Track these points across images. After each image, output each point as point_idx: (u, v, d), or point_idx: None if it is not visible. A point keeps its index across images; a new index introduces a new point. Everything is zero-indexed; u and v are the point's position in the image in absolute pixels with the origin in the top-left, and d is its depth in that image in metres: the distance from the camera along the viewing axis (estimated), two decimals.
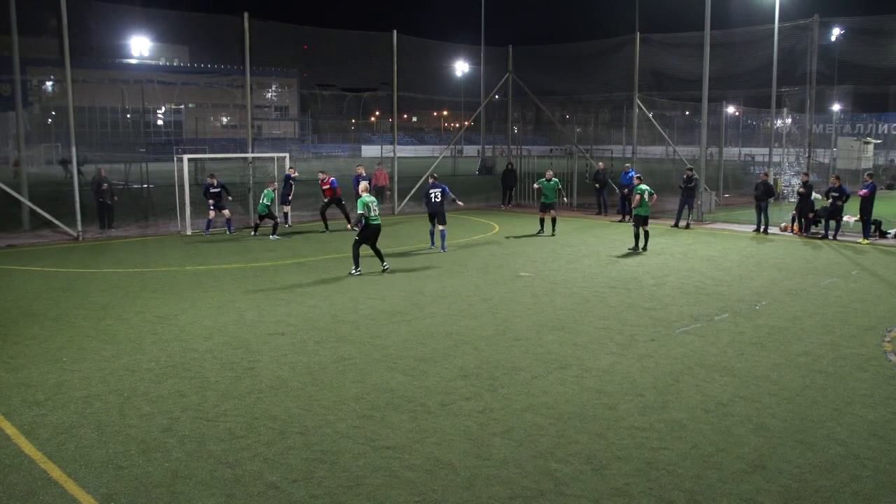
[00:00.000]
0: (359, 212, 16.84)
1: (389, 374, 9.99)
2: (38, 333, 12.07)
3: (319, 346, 11.30)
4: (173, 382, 9.68)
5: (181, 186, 24.06)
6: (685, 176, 26.25)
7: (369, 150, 69.20)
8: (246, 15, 26.08)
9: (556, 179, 24.25)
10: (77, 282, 16.34)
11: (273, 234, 23.44)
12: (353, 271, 17.06)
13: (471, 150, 69.19)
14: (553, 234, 24.07)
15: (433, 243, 21.00)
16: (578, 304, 14.16)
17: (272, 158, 28.50)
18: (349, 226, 24.98)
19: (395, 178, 31.30)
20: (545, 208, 24.28)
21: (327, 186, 25.10)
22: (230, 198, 24.82)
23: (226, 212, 24.23)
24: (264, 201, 23.39)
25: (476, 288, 15.59)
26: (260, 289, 15.58)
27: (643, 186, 21.05)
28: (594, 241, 22.66)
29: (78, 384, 9.61)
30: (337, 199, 25.32)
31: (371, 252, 17.34)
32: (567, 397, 9.13)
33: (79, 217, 23.06)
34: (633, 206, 21.40)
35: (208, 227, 24.19)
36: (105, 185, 24.62)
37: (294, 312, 13.46)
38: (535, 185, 24.73)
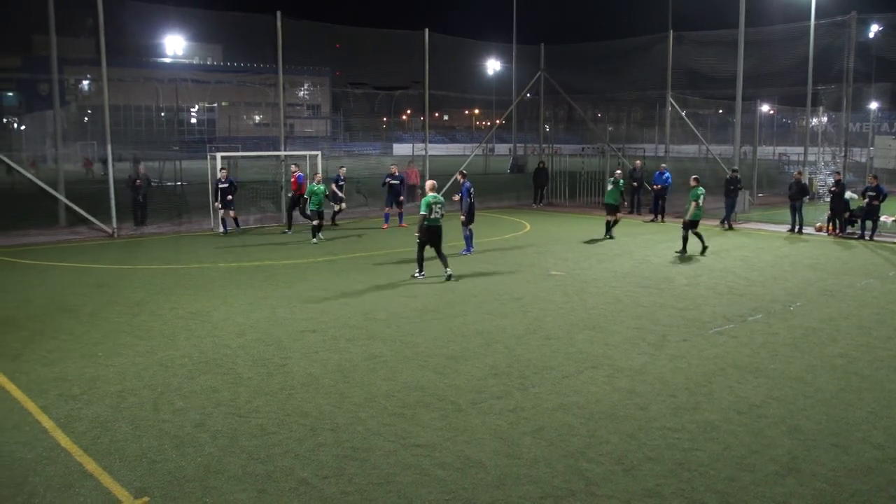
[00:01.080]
0: (421, 212, 16.04)
1: (420, 372, 10.00)
2: (73, 328, 12.24)
3: (351, 344, 11.35)
4: (206, 378, 9.77)
5: (215, 184, 24.25)
6: (729, 176, 25.89)
7: (401, 149, 69.27)
8: (279, 14, 26.24)
9: (623, 181, 23.43)
10: (112, 278, 16.54)
11: (314, 236, 21.86)
12: (416, 274, 16.38)
13: (502, 148, 69.01)
14: (612, 237, 22.99)
15: (468, 248, 19.85)
16: (610, 304, 14.09)
17: (304, 156, 28.63)
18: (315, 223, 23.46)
19: (427, 177, 31.27)
20: (613, 210, 23.01)
21: (293, 180, 24.54)
22: (229, 197, 23.49)
23: (231, 212, 23.43)
24: (315, 199, 21.92)
25: (507, 287, 15.56)
26: (292, 286, 15.67)
27: (700, 190, 19.97)
28: (626, 241, 22.52)
29: (113, 379, 9.74)
30: (300, 197, 24.02)
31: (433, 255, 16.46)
32: (598, 397, 9.09)
33: (114, 214, 23.36)
34: (690, 211, 19.78)
35: (225, 226, 23.63)
36: (138, 182, 24.89)
37: (326, 310, 13.52)
38: (610, 186, 23.30)
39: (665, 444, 7.74)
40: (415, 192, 32.52)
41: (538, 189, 34.34)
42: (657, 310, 13.64)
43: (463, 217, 19.55)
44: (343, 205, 25.93)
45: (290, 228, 24.35)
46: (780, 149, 62.24)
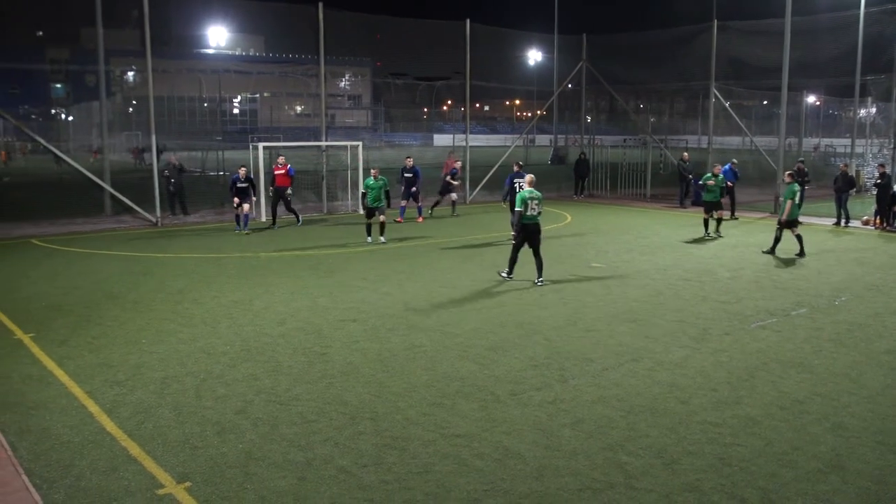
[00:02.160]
0: (516, 209, 14.90)
1: (460, 363, 10.01)
2: (118, 315, 12.45)
3: (391, 334, 11.39)
4: (247, 366, 9.87)
5: (256, 174, 24.46)
6: (796, 168, 25.15)
7: (441, 139, 69.18)
8: (320, 5, 26.34)
9: (722, 175, 21.84)
10: (155, 266, 16.78)
11: (369, 234, 20.16)
12: (503, 273, 15.40)
13: (543, 139, 68.67)
14: (720, 236, 21.56)
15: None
16: (651, 297, 13.97)
17: (345, 147, 28.77)
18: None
19: (468, 168, 31.27)
20: (711, 208, 21.38)
21: (281, 172, 22.81)
22: (254, 198, 22.54)
23: (245, 206, 21.75)
24: (372, 193, 19.61)
25: (547, 278, 15.51)
26: (332, 275, 15.76)
27: (795, 187, 18.18)
28: (668, 233, 22.30)
29: (156, 365, 9.89)
30: (285, 193, 22.91)
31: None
32: (638, 390, 9.02)
33: (157, 203, 23.72)
34: (787, 210, 18.08)
35: (245, 222, 21.93)
36: (166, 172, 25.09)
37: (366, 299, 13.59)
38: (709, 182, 21.09)
39: (706, 438, 7.67)
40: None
41: (579, 180, 34.12)
42: (699, 303, 13.50)
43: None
44: (454, 195, 25.88)
45: (274, 223, 23.15)
46: (825, 140, 61.16)
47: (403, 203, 24.84)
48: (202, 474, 6.86)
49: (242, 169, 21.89)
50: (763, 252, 18.71)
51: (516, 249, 15.14)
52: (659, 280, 15.45)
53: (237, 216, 21.95)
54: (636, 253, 18.73)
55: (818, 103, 59.13)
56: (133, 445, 7.44)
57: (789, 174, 19.07)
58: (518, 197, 14.84)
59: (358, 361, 10.06)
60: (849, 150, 37.74)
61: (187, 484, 6.68)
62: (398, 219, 24.41)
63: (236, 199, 21.54)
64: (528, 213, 14.66)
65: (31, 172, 42.76)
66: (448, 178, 26.19)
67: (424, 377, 9.44)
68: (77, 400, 8.65)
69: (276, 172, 22.88)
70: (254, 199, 22.49)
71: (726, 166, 25.10)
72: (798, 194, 18.20)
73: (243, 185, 21.50)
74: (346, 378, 9.40)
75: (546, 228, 22.61)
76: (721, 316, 12.59)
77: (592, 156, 35.64)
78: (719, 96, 32.15)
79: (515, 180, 19.04)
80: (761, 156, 33.30)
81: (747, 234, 22.13)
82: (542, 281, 14.94)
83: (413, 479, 6.79)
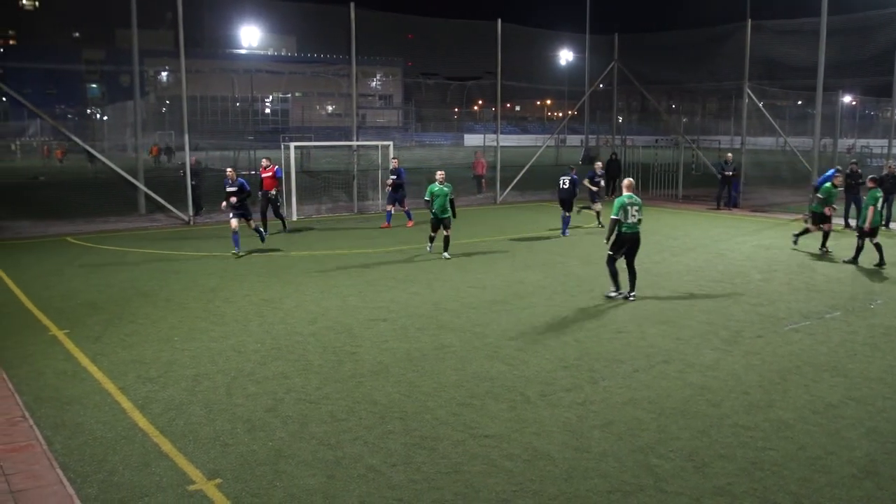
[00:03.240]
0: (612, 216, 13.30)
1: (489, 363, 10.00)
2: (150, 313, 12.58)
3: (420, 333, 11.40)
4: (278, 364, 9.93)
5: (287, 174, 24.60)
6: (850, 170, 24.13)
7: (472, 139, 69.27)
8: (352, 5, 26.43)
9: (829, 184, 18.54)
10: (187, 264, 16.93)
11: (430, 244, 18.34)
12: (611, 292, 13.70)
13: (574, 139, 68.40)
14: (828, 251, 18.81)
15: (563, 229, 21.74)
16: (682, 298, 13.85)
17: (376, 147, 28.85)
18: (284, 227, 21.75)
19: (498, 168, 31.22)
20: (820, 220, 18.71)
21: (268, 175, 21.04)
22: (233, 199, 17.80)
23: (233, 222, 17.82)
24: (438, 202, 17.53)
25: (578, 279, 15.43)
26: (363, 275, 15.81)
27: (878, 192, 16.75)
28: (700, 234, 22.11)
29: (188, 363, 9.98)
30: (273, 198, 21.22)
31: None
32: (669, 392, 8.95)
33: (190, 202, 23.93)
34: (868, 218, 16.62)
35: (236, 241, 17.97)
36: (181, 172, 25.22)
37: (396, 299, 13.61)
38: (819, 195, 18.50)
39: (737, 441, 7.59)
40: (480, 182, 32.46)
41: (610, 181, 33.91)
42: (731, 305, 13.36)
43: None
44: (598, 205, 23.34)
45: (265, 230, 19.75)
46: (861, 141, 60.29)
47: (389, 207, 23.31)
48: (232, 471, 6.91)
49: (229, 170, 18.57)
50: (844, 262, 17.48)
51: (612, 262, 13.59)
52: (690, 281, 15.32)
53: (234, 234, 18.02)
54: (667, 254, 18.59)
55: (854, 103, 58.32)
56: (165, 441, 7.51)
57: (871, 179, 17.30)
58: (616, 203, 13.30)
59: (387, 361, 10.08)
60: (885, 150, 37.16)
61: (218, 480, 6.74)
62: (384, 224, 23.03)
63: (231, 212, 17.91)
64: (628, 220, 13.24)
65: (67, 171, 43.45)
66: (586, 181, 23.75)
67: (454, 377, 9.43)
68: (110, 396, 8.75)
69: (263, 175, 21.15)
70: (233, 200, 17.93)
71: (830, 171, 19.52)
72: (880, 200, 16.92)
73: (232, 188, 17.88)
74: (375, 377, 9.42)
75: (576, 228, 22.62)
76: (753, 318, 12.45)
77: (624, 156, 35.42)
78: (753, 96, 31.80)
79: (562, 178, 21.33)
80: (795, 157, 32.88)
81: (781, 236, 21.86)
82: (634, 296, 13.56)
83: (442, 478, 6.79)
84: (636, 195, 13.55)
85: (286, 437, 7.63)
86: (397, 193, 23.06)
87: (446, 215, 17.55)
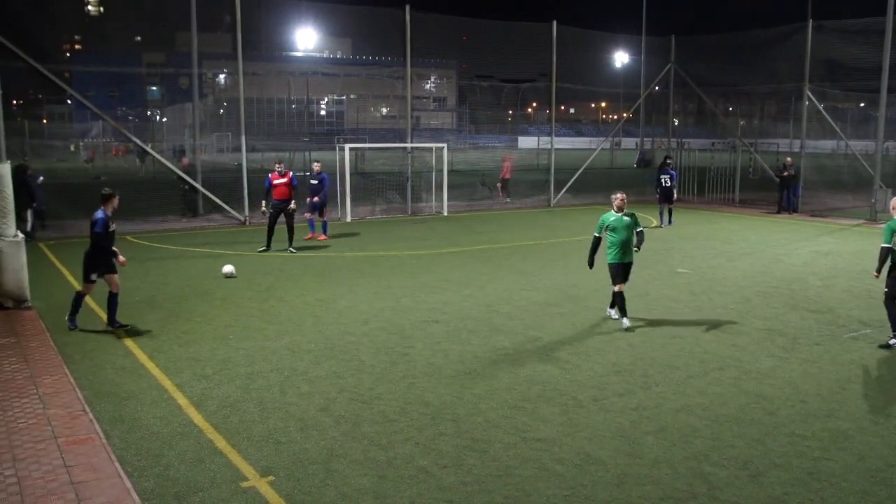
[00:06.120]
0: (883, 245, 10.84)
1: (542, 367, 9.93)
2: (206, 312, 12.76)
3: (473, 336, 11.38)
4: (331, 364, 9.99)
5: (342, 175, 24.78)
6: None
7: (526, 142, 68.95)
8: (407, 7, 26.58)
9: None
10: (242, 264, 17.13)
11: (614, 310, 14.13)
12: None
13: (629, 142, 67.69)
14: None
15: (661, 223, 24.31)
16: (738, 304, 13.61)
17: (430, 148, 28.92)
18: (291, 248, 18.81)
19: (552, 171, 31.06)
20: None
21: (281, 181, 18.41)
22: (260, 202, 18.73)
23: (307, 214, 18.07)
24: (621, 237, 13.70)
25: (632, 283, 15.18)
26: (416, 276, 15.84)
27: None
28: (757, 239, 21.69)
29: (242, 361, 10.09)
30: (287, 208, 18.48)
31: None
32: (724, 399, 8.79)
33: (246, 203, 24.23)
34: None
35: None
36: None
37: (449, 301, 13.61)
38: None
39: (794, 451, 7.41)
40: (506, 185, 32.00)
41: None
42: (788, 311, 13.08)
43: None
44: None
45: (268, 246, 18.78)
46: None
47: (309, 215, 21.02)
48: (285, 469, 6.96)
49: (279, 165, 18.67)
50: None
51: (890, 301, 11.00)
52: (747, 287, 15.04)
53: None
54: (724, 259, 18.28)
55: None
56: (219, 438, 7.60)
57: None
58: (886, 228, 10.91)
59: (440, 362, 10.07)
60: None
61: (270, 478, 6.79)
62: (308, 235, 20.97)
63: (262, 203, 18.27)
64: None
65: (128, 171, 44.35)
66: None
67: (506, 380, 9.39)
68: (167, 392, 8.89)
69: (275, 182, 18.47)
70: (292, 206, 18.48)
71: None
72: None
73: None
74: (427, 378, 9.42)
75: None
76: (812, 325, 12.18)
77: (679, 159, 34.93)
78: (813, 98, 31.12)
79: (661, 176, 23.81)
80: (857, 161, 32.11)
81: (841, 241, 21.37)
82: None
83: (493, 481, 6.75)
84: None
85: (338, 437, 7.67)
86: (315, 200, 20.54)
87: (630, 259, 12.26)
